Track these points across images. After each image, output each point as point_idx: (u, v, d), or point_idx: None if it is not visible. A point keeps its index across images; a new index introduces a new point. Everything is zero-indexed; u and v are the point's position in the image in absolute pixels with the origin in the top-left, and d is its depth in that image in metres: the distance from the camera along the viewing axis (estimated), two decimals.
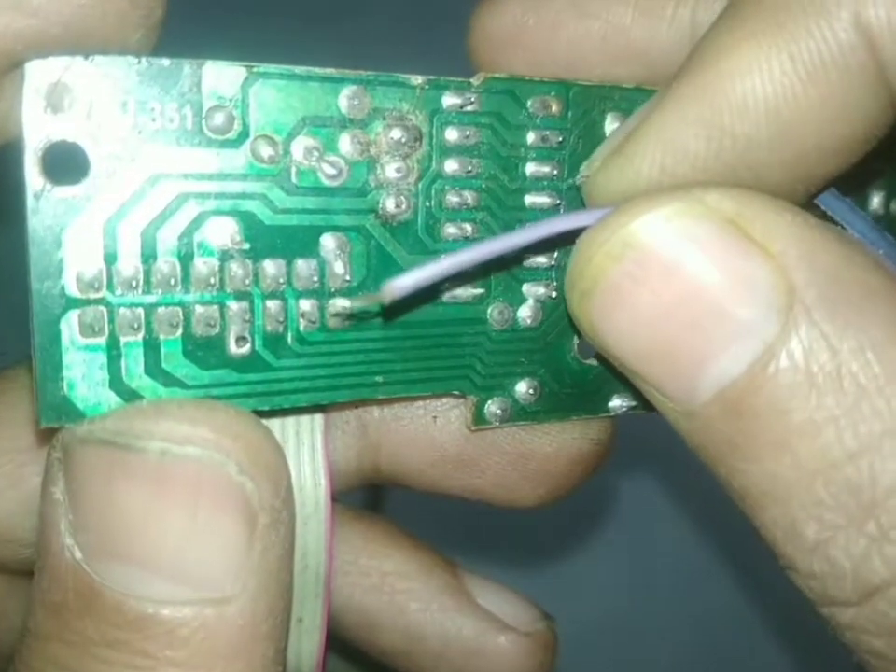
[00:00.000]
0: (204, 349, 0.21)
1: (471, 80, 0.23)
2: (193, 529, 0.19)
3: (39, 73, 0.19)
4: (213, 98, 0.20)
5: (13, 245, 0.21)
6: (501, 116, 0.24)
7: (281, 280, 0.22)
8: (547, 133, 0.24)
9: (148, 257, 0.20)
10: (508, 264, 0.25)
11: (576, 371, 0.26)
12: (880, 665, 0.19)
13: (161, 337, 0.21)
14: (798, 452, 0.18)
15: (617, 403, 0.27)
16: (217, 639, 0.19)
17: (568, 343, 0.26)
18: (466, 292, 0.24)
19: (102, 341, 0.20)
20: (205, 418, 0.20)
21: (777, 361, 0.18)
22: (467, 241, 0.24)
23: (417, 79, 0.23)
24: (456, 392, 0.25)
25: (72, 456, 0.20)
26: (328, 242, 0.22)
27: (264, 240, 0.21)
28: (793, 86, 0.20)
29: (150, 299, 0.20)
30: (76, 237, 0.20)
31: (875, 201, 0.29)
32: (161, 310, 0.21)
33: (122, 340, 0.20)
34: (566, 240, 0.22)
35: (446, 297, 0.24)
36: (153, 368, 0.21)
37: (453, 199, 0.23)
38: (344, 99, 0.22)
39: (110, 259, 0.20)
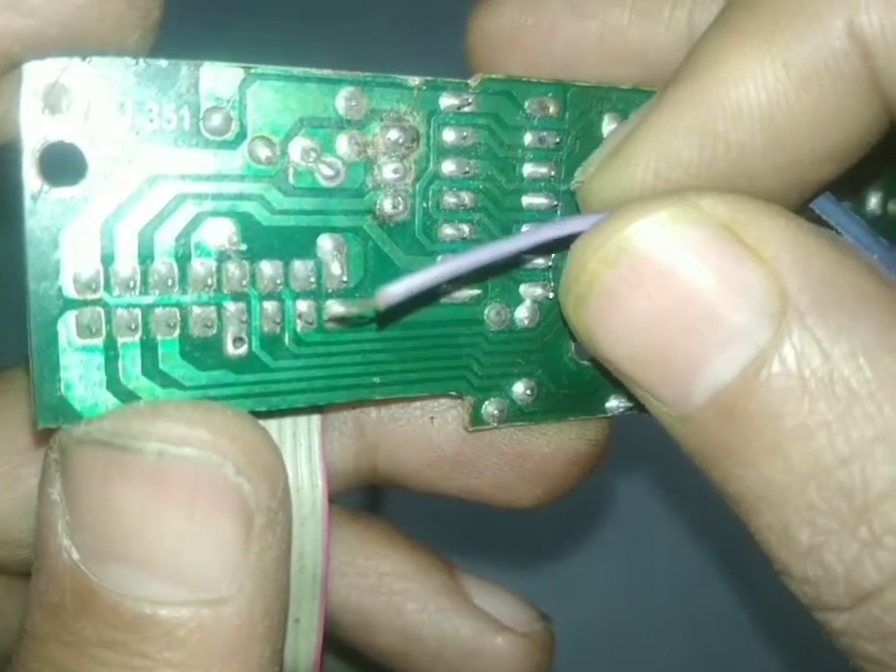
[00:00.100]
0: (202, 350, 0.21)
1: (469, 81, 0.23)
2: (190, 530, 0.19)
3: (37, 74, 0.19)
4: (210, 99, 0.20)
5: (11, 246, 0.21)
6: (498, 117, 0.24)
7: (278, 281, 0.22)
8: (544, 133, 0.24)
9: (146, 258, 0.20)
10: (505, 265, 0.25)
11: (573, 372, 0.26)
12: (874, 669, 0.19)
13: (159, 338, 0.21)
14: (791, 456, 0.18)
15: (614, 404, 0.27)
16: (214, 640, 0.19)
17: (566, 344, 0.26)
18: (463, 293, 0.24)
19: (99, 341, 0.20)
20: (202, 419, 0.20)
21: (769, 366, 0.18)
22: (464, 242, 0.24)
23: (414, 80, 0.23)
24: (454, 393, 0.25)
25: (69, 457, 0.20)
26: (325, 243, 0.22)
27: (261, 241, 0.21)
28: (787, 93, 0.20)
29: (148, 300, 0.20)
30: (73, 238, 0.20)
31: (873, 201, 0.29)
32: (158, 311, 0.21)
33: (119, 341, 0.20)
34: (561, 245, 0.22)
35: (443, 298, 0.24)
36: (150, 369, 0.21)
37: (450, 200, 0.23)
38: (342, 100, 0.22)
39: (107, 259, 0.20)
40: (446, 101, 0.23)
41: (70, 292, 0.20)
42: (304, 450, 0.25)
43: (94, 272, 0.20)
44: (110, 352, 0.20)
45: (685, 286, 0.19)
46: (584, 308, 0.20)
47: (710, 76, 0.20)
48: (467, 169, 0.23)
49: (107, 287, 0.20)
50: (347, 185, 0.22)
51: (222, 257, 0.21)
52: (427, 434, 0.28)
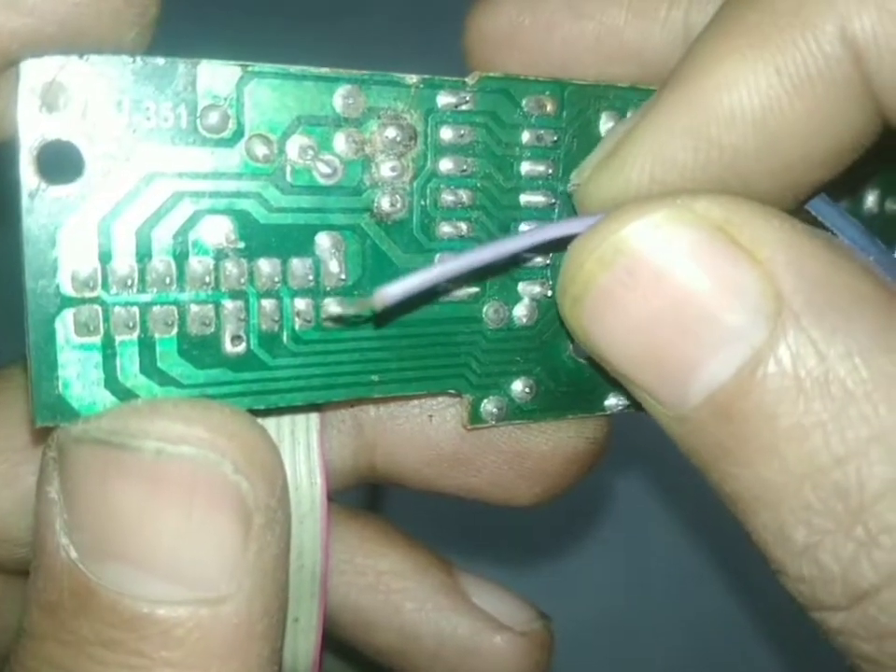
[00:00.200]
0: (200, 348, 0.21)
1: (466, 79, 0.23)
2: (188, 529, 0.19)
3: (34, 72, 0.19)
4: (208, 97, 0.20)
5: (8, 245, 0.21)
6: (496, 115, 0.24)
7: (276, 279, 0.22)
8: (542, 132, 0.24)
9: (143, 256, 0.20)
10: (503, 264, 0.25)
11: (572, 370, 0.26)
12: (871, 669, 0.19)
13: (157, 336, 0.21)
14: (787, 456, 0.18)
15: (613, 402, 0.27)
16: (213, 639, 0.19)
17: (564, 342, 0.26)
18: (461, 291, 0.24)
19: (97, 340, 0.20)
20: (201, 417, 0.20)
21: (765, 366, 0.18)
22: (462, 240, 0.24)
23: (412, 78, 0.23)
24: (452, 391, 0.25)
25: (67, 456, 0.20)
26: (323, 241, 0.22)
27: (259, 239, 0.21)
28: (780, 98, 0.20)
29: (145, 298, 0.20)
30: (70, 236, 0.19)
31: (870, 200, 0.29)
32: (156, 309, 0.21)
33: (117, 339, 0.20)
34: (557, 246, 0.22)
35: (441, 296, 0.24)
36: (148, 367, 0.21)
37: (448, 198, 0.23)
38: (339, 98, 0.22)
39: (105, 257, 0.20)
40: (444, 99, 0.23)
41: (68, 290, 0.20)
42: (303, 448, 0.25)
43: (92, 270, 0.20)
44: (108, 350, 0.20)
45: (680, 287, 0.19)
46: (581, 309, 0.21)
47: (703, 81, 0.21)
48: (464, 167, 0.23)
49: (105, 285, 0.20)
50: (345, 183, 0.22)
51: (220, 255, 0.21)
52: (425, 432, 0.28)
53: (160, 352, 0.21)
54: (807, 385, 0.18)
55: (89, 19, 0.19)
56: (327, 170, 0.22)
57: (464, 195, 0.24)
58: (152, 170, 0.20)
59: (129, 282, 0.20)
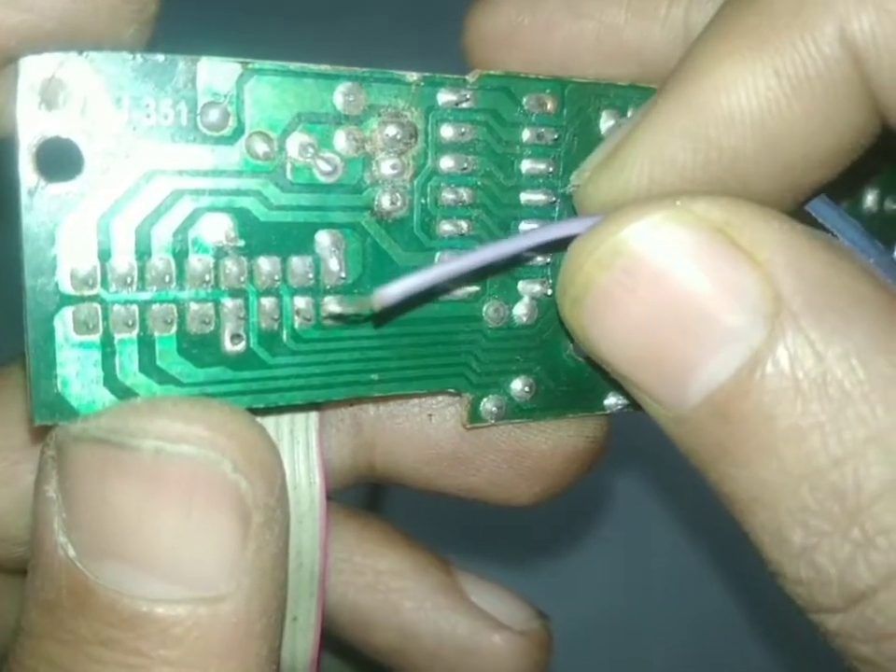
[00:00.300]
0: (199, 346, 0.21)
1: (467, 77, 0.23)
2: (187, 528, 0.19)
3: (33, 69, 0.19)
4: (208, 94, 0.20)
5: (7, 242, 0.21)
6: (497, 113, 0.24)
7: (276, 277, 0.22)
8: (542, 130, 0.24)
9: (143, 253, 0.20)
10: (503, 263, 0.25)
11: (572, 369, 0.26)
12: (869, 671, 0.19)
13: (156, 334, 0.21)
14: (784, 457, 0.18)
15: (612, 401, 0.27)
16: (211, 638, 0.19)
17: (564, 341, 0.26)
18: (461, 290, 0.24)
19: (96, 338, 0.20)
20: (200, 416, 0.20)
21: (763, 367, 0.18)
22: (462, 238, 0.24)
23: (413, 76, 0.22)
24: (452, 390, 0.25)
25: (66, 454, 0.19)
26: (323, 239, 0.22)
27: (259, 237, 0.21)
28: (779, 100, 0.20)
29: (145, 296, 0.20)
30: (70, 234, 0.19)
31: (869, 199, 0.29)
32: (155, 307, 0.21)
33: (117, 337, 0.20)
34: (557, 246, 0.22)
35: (441, 295, 0.24)
36: (148, 365, 0.21)
37: (448, 196, 0.23)
38: (340, 95, 0.22)
39: (104, 255, 0.20)
40: (444, 97, 0.23)
41: (67, 288, 0.20)
42: (302, 447, 0.25)
43: (91, 267, 0.20)
44: (107, 348, 0.20)
45: (679, 288, 0.19)
46: (580, 309, 0.21)
47: (702, 82, 0.21)
48: (465, 165, 0.23)
49: (104, 284, 0.20)
50: (345, 181, 0.22)
51: (220, 253, 0.21)
52: (425, 431, 0.28)
53: (159, 350, 0.21)
54: (805, 386, 0.18)
55: (87, 15, 0.19)
56: (327, 168, 0.22)
57: (464, 193, 0.24)
58: (152, 167, 0.20)
59: (128, 280, 0.20)
